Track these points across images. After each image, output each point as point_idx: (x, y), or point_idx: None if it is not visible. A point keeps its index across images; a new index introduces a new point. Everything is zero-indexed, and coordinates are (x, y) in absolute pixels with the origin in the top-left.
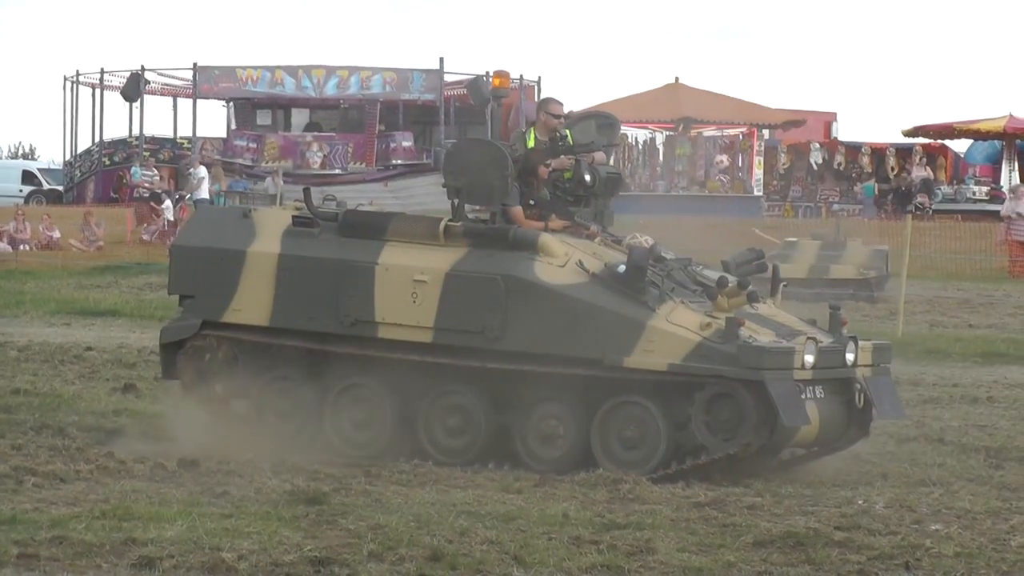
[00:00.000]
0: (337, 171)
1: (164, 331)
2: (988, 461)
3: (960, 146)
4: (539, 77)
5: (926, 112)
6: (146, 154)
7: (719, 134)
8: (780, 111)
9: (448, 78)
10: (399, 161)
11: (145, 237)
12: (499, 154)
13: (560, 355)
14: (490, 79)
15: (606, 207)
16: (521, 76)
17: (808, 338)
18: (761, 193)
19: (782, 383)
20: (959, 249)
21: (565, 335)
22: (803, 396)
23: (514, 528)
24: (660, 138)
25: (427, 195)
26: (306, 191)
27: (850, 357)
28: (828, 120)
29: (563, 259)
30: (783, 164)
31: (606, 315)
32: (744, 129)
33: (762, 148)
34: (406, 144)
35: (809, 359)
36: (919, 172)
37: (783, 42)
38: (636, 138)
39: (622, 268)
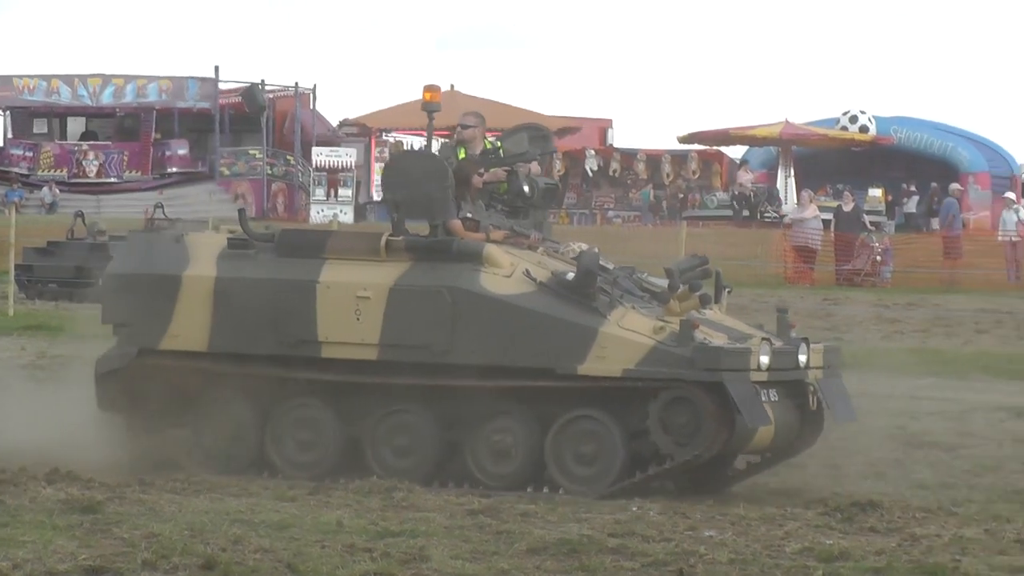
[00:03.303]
0: (113, 179)
1: (99, 361)
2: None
3: (736, 152)
4: (314, 85)
5: (702, 118)
6: None
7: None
8: (555, 118)
9: (223, 86)
10: (174, 169)
11: None
12: (439, 166)
13: (511, 366)
14: (264, 87)
15: (544, 218)
16: (296, 84)
17: (763, 339)
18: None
19: (741, 384)
20: (735, 255)
21: (515, 346)
22: (761, 397)
23: (288, 536)
24: (436, 145)
25: (202, 203)
26: (241, 212)
27: (803, 359)
28: (603, 127)
29: (509, 269)
30: (558, 171)
31: (557, 323)
32: None
33: None
34: (181, 152)
35: (764, 360)
36: (745, 177)
37: (558, 49)
38: (412, 146)
39: (571, 276)
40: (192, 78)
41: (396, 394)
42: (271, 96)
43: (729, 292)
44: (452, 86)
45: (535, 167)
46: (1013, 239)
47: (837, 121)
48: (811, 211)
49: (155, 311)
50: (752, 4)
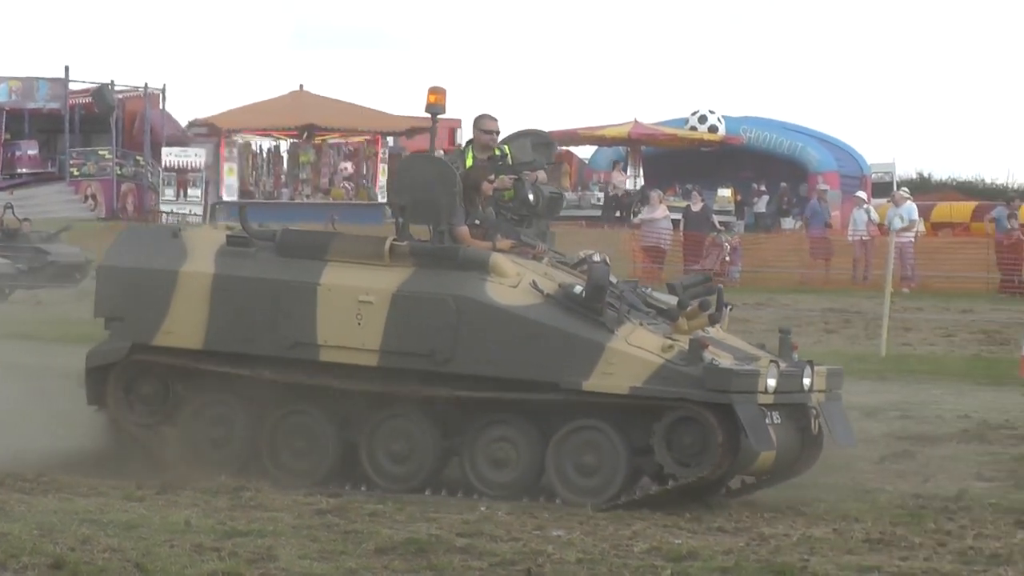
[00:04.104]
0: None
1: (90, 355)
2: None
3: (585, 152)
4: (164, 85)
5: (550, 118)
6: None
7: (343, 141)
8: (404, 118)
9: (73, 86)
10: (25, 170)
11: None
12: (447, 171)
13: (514, 378)
14: (113, 87)
15: (547, 227)
16: (146, 84)
17: (771, 361)
18: (385, 200)
19: (749, 406)
20: None
21: (519, 358)
22: (766, 421)
23: (136, 536)
24: (284, 145)
25: (53, 203)
26: (242, 209)
27: (807, 382)
28: (452, 127)
29: (516, 279)
30: None
31: (563, 337)
32: (368, 136)
33: (387, 155)
34: (31, 152)
35: (771, 383)
36: (619, 178)
37: (407, 50)
38: (260, 146)
39: (578, 289)
40: (42, 79)
41: (395, 400)
42: (121, 96)
43: (731, 310)
44: (301, 86)
45: (542, 175)
46: (864, 238)
47: (686, 121)
48: (661, 211)
49: (150, 306)
50: (601, 3)
